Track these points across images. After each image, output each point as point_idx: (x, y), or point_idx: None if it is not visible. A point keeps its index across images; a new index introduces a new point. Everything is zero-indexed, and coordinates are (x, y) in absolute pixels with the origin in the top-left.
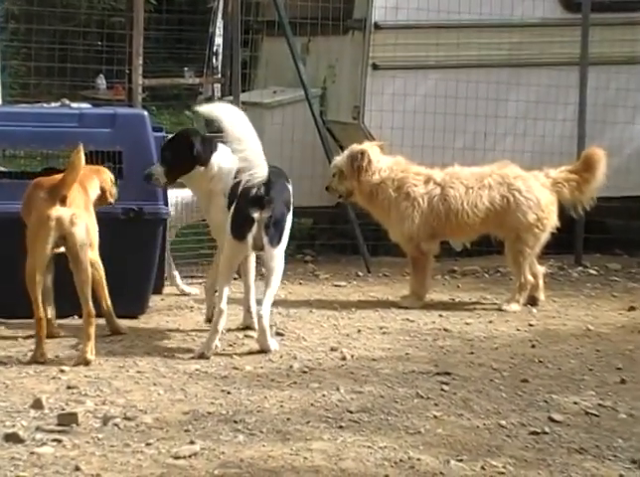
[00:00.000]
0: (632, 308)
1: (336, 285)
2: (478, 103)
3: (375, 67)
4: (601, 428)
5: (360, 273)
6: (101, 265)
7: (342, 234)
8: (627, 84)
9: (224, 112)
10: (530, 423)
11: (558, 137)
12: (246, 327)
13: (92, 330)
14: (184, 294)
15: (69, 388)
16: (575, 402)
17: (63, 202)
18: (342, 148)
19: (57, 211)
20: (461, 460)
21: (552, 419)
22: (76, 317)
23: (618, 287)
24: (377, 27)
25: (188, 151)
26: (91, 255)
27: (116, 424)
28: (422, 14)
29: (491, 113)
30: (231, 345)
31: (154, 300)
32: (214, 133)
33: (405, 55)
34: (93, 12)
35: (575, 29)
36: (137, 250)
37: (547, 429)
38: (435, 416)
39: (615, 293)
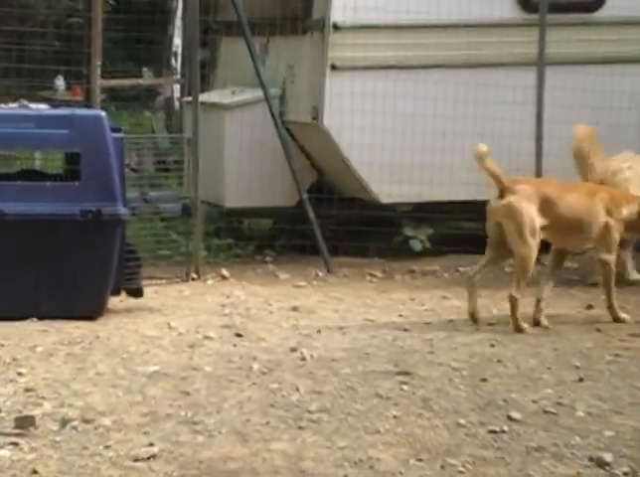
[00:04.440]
0: (590, 307)
1: (296, 286)
2: (437, 104)
3: (333, 67)
4: (559, 427)
5: (320, 274)
6: None
7: (302, 234)
8: (584, 85)
9: None
10: (489, 422)
11: (516, 137)
12: None
13: None
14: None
15: (26, 390)
16: (534, 401)
17: None
18: (301, 148)
19: None
20: (420, 459)
21: (510, 418)
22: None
23: (576, 286)
24: (335, 27)
25: None
26: None
27: (74, 427)
28: (381, 14)
29: (450, 113)
30: (190, 346)
31: (112, 302)
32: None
33: (365, 55)
34: (51, 12)
35: (533, 29)
36: (95, 252)
37: (505, 428)
38: (395, 416)
39: (573, 292)
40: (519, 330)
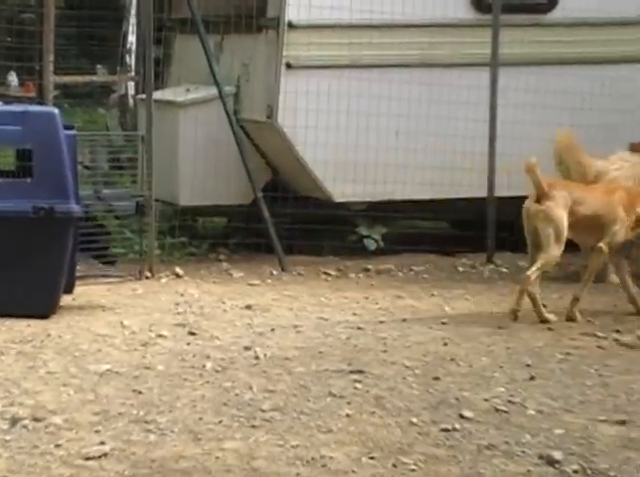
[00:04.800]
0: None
1: (250, 284)
2: (391, 103)
3: (288, 66)
4: (510, 425)
5: (274, 272)
6: None
7: (257, 232)
8: (537, 85)
9: None
10: (441, 420)
11: (470, 137)
12: None
13: None
14: None
15: None
16: (486, 399)
17: None
18: (256, 147)
19: None
20: (373, 458)
21: (462, 416)
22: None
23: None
24: (290, 26)
25: None
26: None
27: (25, 426)
28: (336, 13)
29: (404, 113)
30: (143, 345)
31: (65, 300)
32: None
33: (319, 54)
34: (3, 7)
35: (487, 30)
36: (48, 249)
37: (457, 426)
38: (348, 415)
39: None
40: (544, 321)
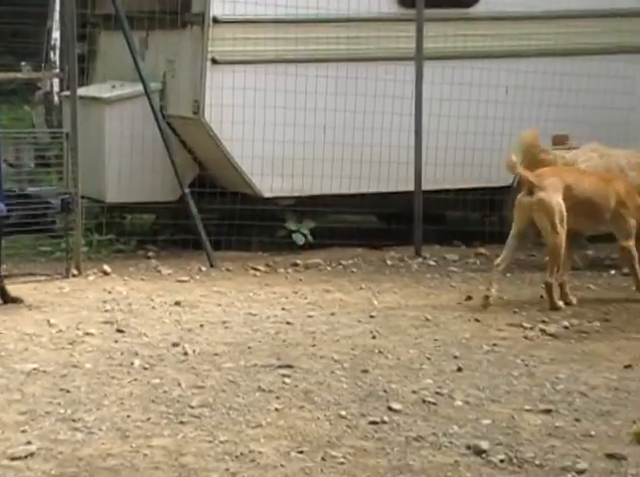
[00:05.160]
0: (469, 298)
1: (179, 280)
2: (317, 97)
3: (214, 61)
4: (438, 416)
5: (203, 268)
6: None
7: (185, 229)
8: (462, 79)
9: None
10: (369, 413)
11: (395, 131)
12: None
13: None
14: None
15: None
16: (414, 391)
17: None
18: (183, 143)
19: None
20: (302, 452)
21: (390, 409)
22: None
23: (456, 278)
24: (215, 21)
25: None
26: None
27: None
28: (261, 8)
29: (330, 107)
30: (70, 343)
31: None
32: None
33: (245, 49)
34: None
35: (411, 24)
36: None
37: (386, 419)
38: (277, 409)
39: (453, 283)
40: (555, 308)
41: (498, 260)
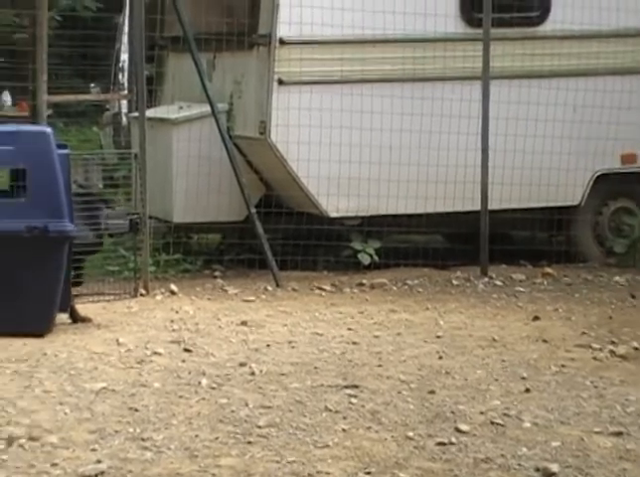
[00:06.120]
0: (536, 318)
1: (245, 300)
2: (383, 118)
3: (280, 82)
4: (506, 438)
5: (269, 288)
6: None
7: (250, 248)
8: (528, 98)
9: None
10: (437, 434)
11: (462, 150)
12: None
13: None
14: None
15: None
16: (481, 412)
17: None
18: (249, 163)
19: None
20: (369, 473)
21: (458, 430)
22: None
23: (523, 298)
24: (282, 42)
25: None
26: None
27: (21, 445)
28: (327, 29)
29: (396, 127)
30: (139, 362)
31: (60, 318)
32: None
33: (311, 70)
34: None
35: (477, 43)
36: (42, 268)
37: (453, 440)
38: (343, 430)
39: (520, 303)
40: None
41: None
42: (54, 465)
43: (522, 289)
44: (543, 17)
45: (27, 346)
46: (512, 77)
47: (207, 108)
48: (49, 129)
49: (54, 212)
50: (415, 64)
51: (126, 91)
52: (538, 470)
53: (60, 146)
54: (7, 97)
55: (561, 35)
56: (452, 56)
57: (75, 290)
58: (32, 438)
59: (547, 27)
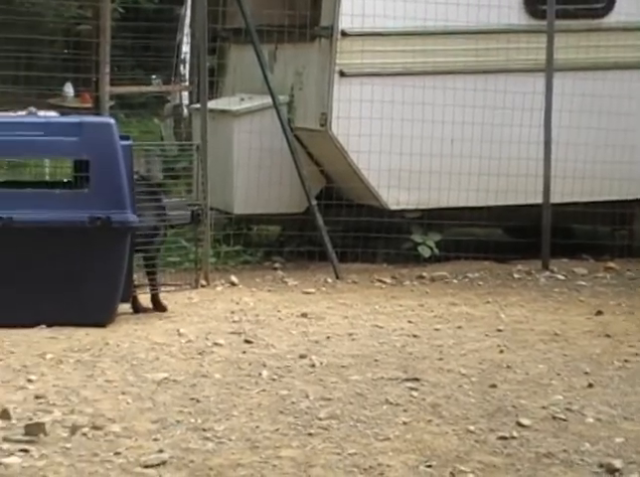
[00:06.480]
0: (599, 313)
1: (305, 292)
2: (445, 110)
3: (342, 74)
4: (569, 433)
5: (329, 280)
6: None
7: (311, 240)
8: (593, 91)
9: None
10: (498, 428)
11: (524, 143)
12: None
13: None
14: None
15: (36, 397)
16: (543, 407)
17: None
18: (310, 155)
19: None
20: (430, 466)
21: (520, 424)
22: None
23: (585, 292)
24: (343, 34)
25: None
26: None
27: (84, 434)
28: (389, 21)
29: (458, 120)
30: (200, 353)
31: (123, 308)
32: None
33: (372, 62)
34: (60, 20)
35: (541, 35)
36: (105, 259)
37: (515, 434)
38: (404, 422)
39: (582, 298)
40: None
41: None
42: (117, 454)
43: (584, 283)
44: (607, 9)
45: (89, 336)
46: (575, 69)
47: (268, 100)
48: (112, 121)
49: (116, 203)
50: (478, 56)
51: (187, 83)
52: (601, 466)
53: (122, 137)
54: (69, 89)
55: (626, 27)
56: (515, 48)
57: (135, 280)
58: (95, 427)
59: (611, 19)
